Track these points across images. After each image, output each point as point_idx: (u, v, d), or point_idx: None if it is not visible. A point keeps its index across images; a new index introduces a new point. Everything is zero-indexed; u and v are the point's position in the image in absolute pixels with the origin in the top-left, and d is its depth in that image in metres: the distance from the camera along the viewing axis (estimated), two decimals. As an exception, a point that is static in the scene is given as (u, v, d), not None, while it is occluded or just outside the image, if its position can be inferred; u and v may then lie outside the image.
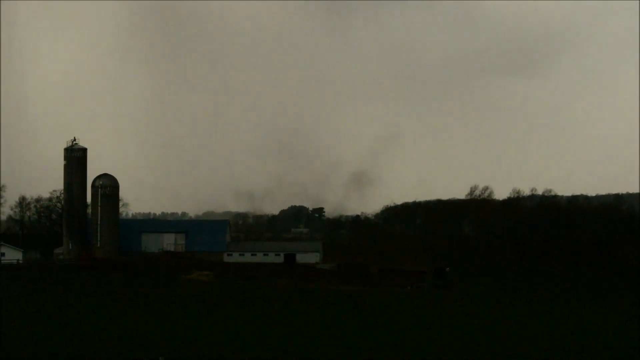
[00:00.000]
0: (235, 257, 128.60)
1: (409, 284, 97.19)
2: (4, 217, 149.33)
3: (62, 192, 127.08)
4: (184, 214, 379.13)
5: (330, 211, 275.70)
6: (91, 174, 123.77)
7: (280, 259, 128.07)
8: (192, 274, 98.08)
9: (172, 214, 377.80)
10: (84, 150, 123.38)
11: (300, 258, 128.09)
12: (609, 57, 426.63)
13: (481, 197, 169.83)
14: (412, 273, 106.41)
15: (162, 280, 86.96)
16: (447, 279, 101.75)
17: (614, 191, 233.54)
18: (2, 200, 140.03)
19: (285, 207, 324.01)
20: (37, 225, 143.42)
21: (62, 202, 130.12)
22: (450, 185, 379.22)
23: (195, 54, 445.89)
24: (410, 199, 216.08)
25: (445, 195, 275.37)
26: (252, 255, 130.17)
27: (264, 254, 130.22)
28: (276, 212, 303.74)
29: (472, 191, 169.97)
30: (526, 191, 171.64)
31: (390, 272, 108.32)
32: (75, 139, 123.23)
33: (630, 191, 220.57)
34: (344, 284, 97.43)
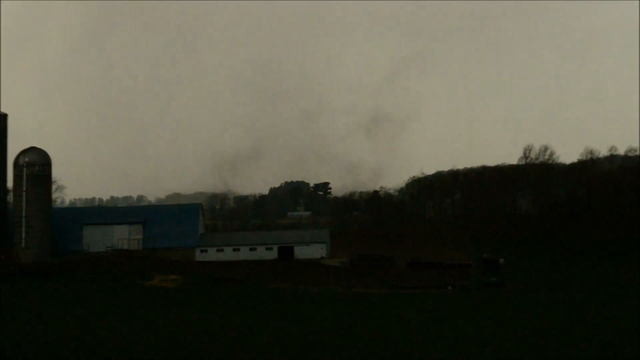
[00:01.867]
0: (212, 254, 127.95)
1: (449, 282, 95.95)
2: None
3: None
4: (140, 198, 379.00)
5: (338, 187, 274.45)
6: (13, 149, 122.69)
7: (272, 254, 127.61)
8: (153, 280, 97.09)
9: (125, 198, 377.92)
10: (3, 117, 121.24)
11: (300, 252, 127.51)
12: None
13: (539, 160, 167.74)
14: (452, 267, 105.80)
15: (112, 289, 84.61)
16: (502, 274, 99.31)
17: None
18: None
19: (278, 184, 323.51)
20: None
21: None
22: (498, 146, 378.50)
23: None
24: (444, 166, 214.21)
25: (492, 161, 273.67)
26: (234, 250, 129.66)
27: (251, 249, 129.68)
28: (265, 190, 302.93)
29: (526, 153, 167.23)
30: (602, 151, 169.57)
31: (422, 266, 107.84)
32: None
33: None
34: (361, 284, 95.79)
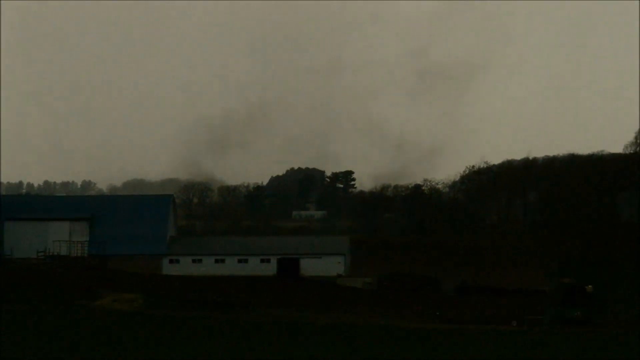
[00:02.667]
0: (186, 266, 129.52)
1: (513, 316, 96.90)
2: None
3: None
4: (87, 185, 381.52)
5: (365, 178, 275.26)
6: None
7: (270, 268, 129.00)
8: (103, 299, 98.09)
9: (65, 184, 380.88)
10: None
11: (309, 267, 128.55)
12: None
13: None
14: (519, 294, 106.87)
15: (43, 312, 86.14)
16: (590, 306, 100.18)
17: None
18: None
19: (281, 172, 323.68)
20: None
21: None
22: (594, 127, 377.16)
23: None
24: (514, 154, 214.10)
25: (583, 149, 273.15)
26: (216, 262, 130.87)
27: (240, 260, 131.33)
28: (264, 179, 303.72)
29: (638, 138, 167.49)
30: None
31: (477, 292, 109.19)
32: None
33: None
34: (391, 313, 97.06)
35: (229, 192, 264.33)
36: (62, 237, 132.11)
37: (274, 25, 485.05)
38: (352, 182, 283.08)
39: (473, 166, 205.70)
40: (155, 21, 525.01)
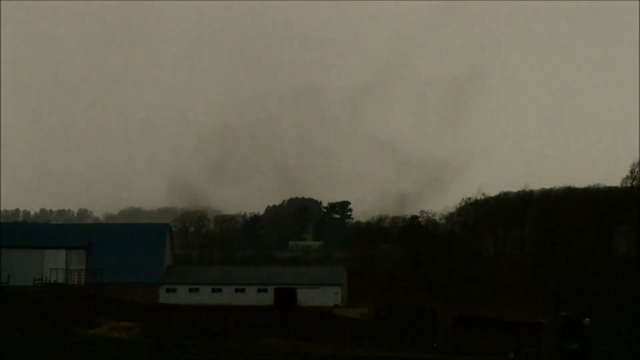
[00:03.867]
0: (182, 295, 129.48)
1: (511, 348, 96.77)
2: None
3: None
4: (83, 213, 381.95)
5: (361, 209, 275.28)
6: None
7: (267, 298, 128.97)
8: (100, 326, 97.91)
9: (61, 212, 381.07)
10: None
11: (306, 297, 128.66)
12: None
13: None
14: (516, 326, 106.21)
15: (40, 340, 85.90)
16: (587, 340, 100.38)
17: None
18: None
19: (278, 202, 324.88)
20: None
21: None
22: (590, 161, 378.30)
23: None
24: (511, 186, 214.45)
25: (580, 182, 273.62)
26: (213, 291, 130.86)
27: (237, 289, 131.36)
28: (260, 209, 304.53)
29: (634, 172, 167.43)
30: None
31: (475, 323, 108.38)
32: None
33: None
34: (388, 345, 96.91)
35: (226, 221, 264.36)
36: (59, 265, 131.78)
37: (260, 49, 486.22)
38: (349, 213, 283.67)
39: (469, 198, 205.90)
40: (150, 47, 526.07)
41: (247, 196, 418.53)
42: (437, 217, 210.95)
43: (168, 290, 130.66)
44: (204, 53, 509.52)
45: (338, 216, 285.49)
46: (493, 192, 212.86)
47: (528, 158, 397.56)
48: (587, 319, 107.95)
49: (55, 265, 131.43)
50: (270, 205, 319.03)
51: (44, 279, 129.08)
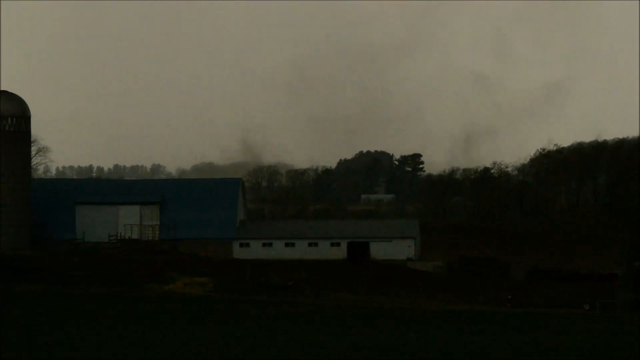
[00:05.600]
0: (256, 250, 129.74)
1: (586, 300, 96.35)
2: None
3: None
4: (156, 168, 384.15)
5: (434, 162, 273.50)
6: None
7: (340, 252, 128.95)
8: (174, 283, 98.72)
9: (135, 168, 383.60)
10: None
11: (379, 251, 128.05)
12: None
13: None
14: (590, 278, 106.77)
15: (115, 297, 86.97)
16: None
17: None
18: None
19: (350, 156, 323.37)
20: None
21: None
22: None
23: None
24: (585, 136, 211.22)
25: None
26: (286, 245, 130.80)
27: (310, 244, 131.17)
28: (332, 163, 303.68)
29: None
30: None
31: (549, 276, 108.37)
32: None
33: None
34: (461, 298, 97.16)
35: (298, 175, 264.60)
36: (133, 221, 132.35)
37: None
38: (421, 165, 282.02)
39: (543, 149, 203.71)
40: (222, 6, 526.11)
41: (319, 150, 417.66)
42: (509, 169, 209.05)
43: (241, 245, 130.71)
44: (273, 14, 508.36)
45: (410, 169, 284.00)
46: (566, 142, 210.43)
47: (601, 107, 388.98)
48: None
49: (130, 221, 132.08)
50: (342, 159, 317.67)
51: (119, 235, 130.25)
